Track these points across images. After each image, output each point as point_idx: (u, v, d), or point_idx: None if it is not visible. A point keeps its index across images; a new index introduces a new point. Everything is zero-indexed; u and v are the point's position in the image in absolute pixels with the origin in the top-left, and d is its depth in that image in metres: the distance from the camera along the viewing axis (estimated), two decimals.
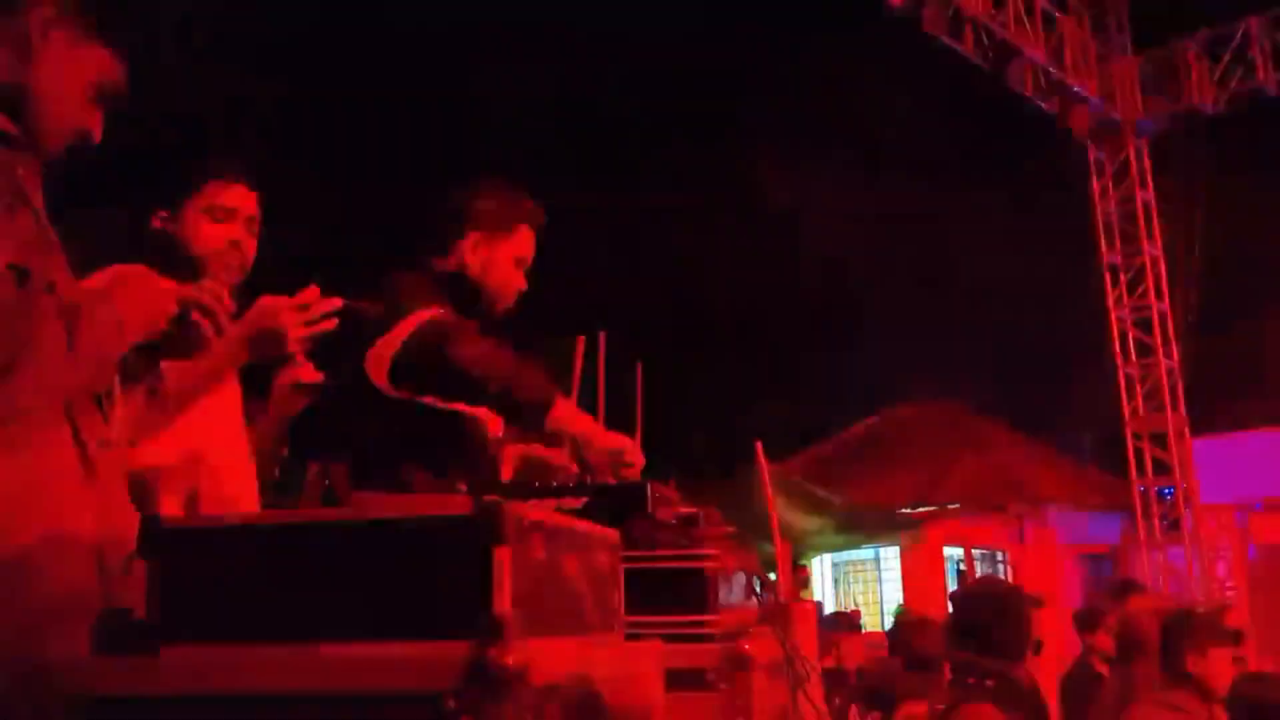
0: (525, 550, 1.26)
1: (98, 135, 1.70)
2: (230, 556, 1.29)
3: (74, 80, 1.64)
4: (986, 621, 3.29)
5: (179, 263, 2.17)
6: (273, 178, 2.48)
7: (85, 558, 1.48)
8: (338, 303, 2.07)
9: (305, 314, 2.03)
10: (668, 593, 1.86)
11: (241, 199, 2.39)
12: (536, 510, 1.36)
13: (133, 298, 1.61)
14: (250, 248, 2.38)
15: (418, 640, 1.19)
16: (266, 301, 2.05)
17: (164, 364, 1.97)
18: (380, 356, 2.51)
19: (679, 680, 1.62)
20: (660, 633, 1.72)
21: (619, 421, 2.88)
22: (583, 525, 1.57)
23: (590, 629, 1.48)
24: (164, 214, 2.35)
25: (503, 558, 1.20)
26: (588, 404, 2.99)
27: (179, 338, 1.70)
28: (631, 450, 2.47)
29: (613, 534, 1.67)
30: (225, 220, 2.34)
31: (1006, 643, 3.25)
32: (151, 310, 1.63)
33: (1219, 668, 3.89)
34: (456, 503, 1.27)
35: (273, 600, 1.26)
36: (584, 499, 1.95)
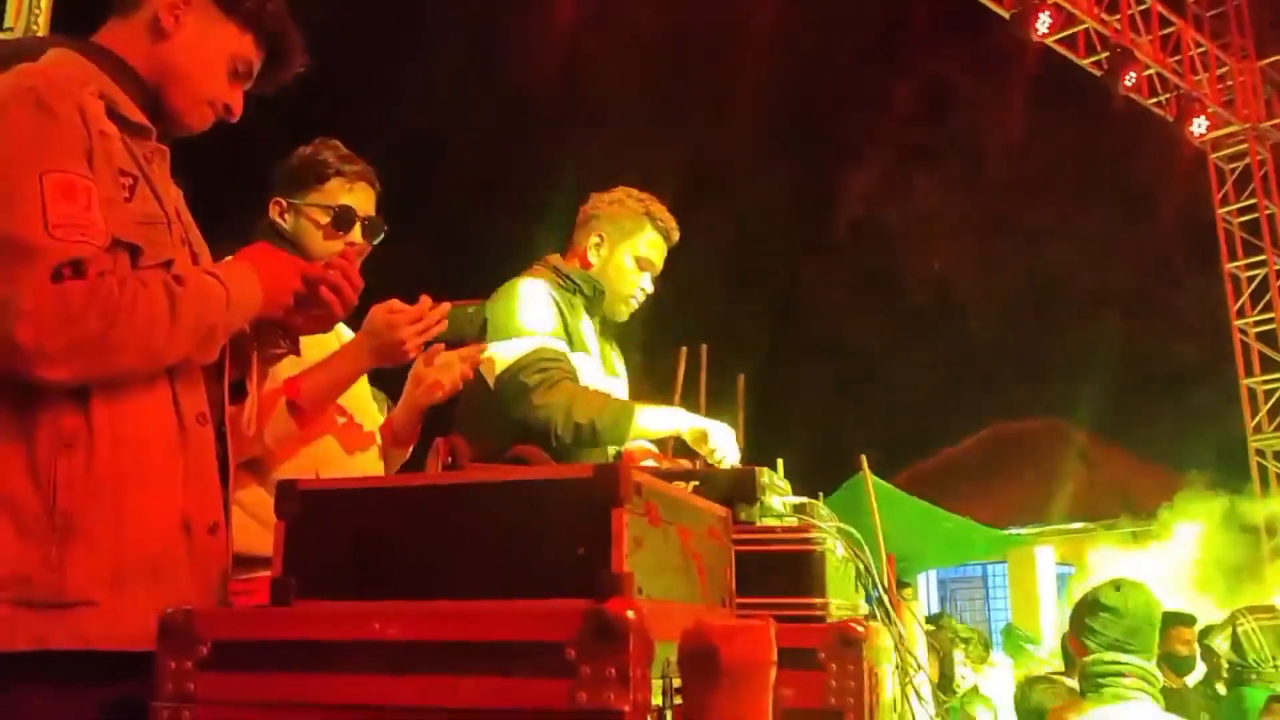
0: (642, 514, 1.29)
1: (238, 110, 1.78)
2: (360, 517, 1.35)
3: (210, 55, 1.72)
4: None
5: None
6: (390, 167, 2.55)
7: (173, 519, 1.55)
8: (446, 308, 2.20)
9: (421, 325, 2.15)
10: (778, 575, 1.87)
11: (361, 200, 2.43)
12: (652, 477, 1.39)
13: (255, 273, 1.67)
14: (363, 248, 2.44)
15: (539, 597, 1.23)
16: (384, 315, 2.16)
17: (289, 375, 2.08)
18: (491, 361, 2.64)
19: (789, 659, 1.62)
20: (771, 614, 1.73)
21: None
22: (696, 499, 1.60)
23: (702, 599, 1.50)
24: (282, 204, 2.43)
25: (620, 518, 1.24)
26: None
27: (309, 315, 1.77)
28: (716, 433, 2.57)
29: (725, 511, 1.69)
30: (342, 228, 2.39)
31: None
32: (276, 287, 1.69)
33: None
34: (576, 467, 1.31)
35: (398, 559, 1.32)
36: (693, 483, 1.97)
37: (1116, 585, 3.42)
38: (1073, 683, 4.01)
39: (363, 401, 2.43)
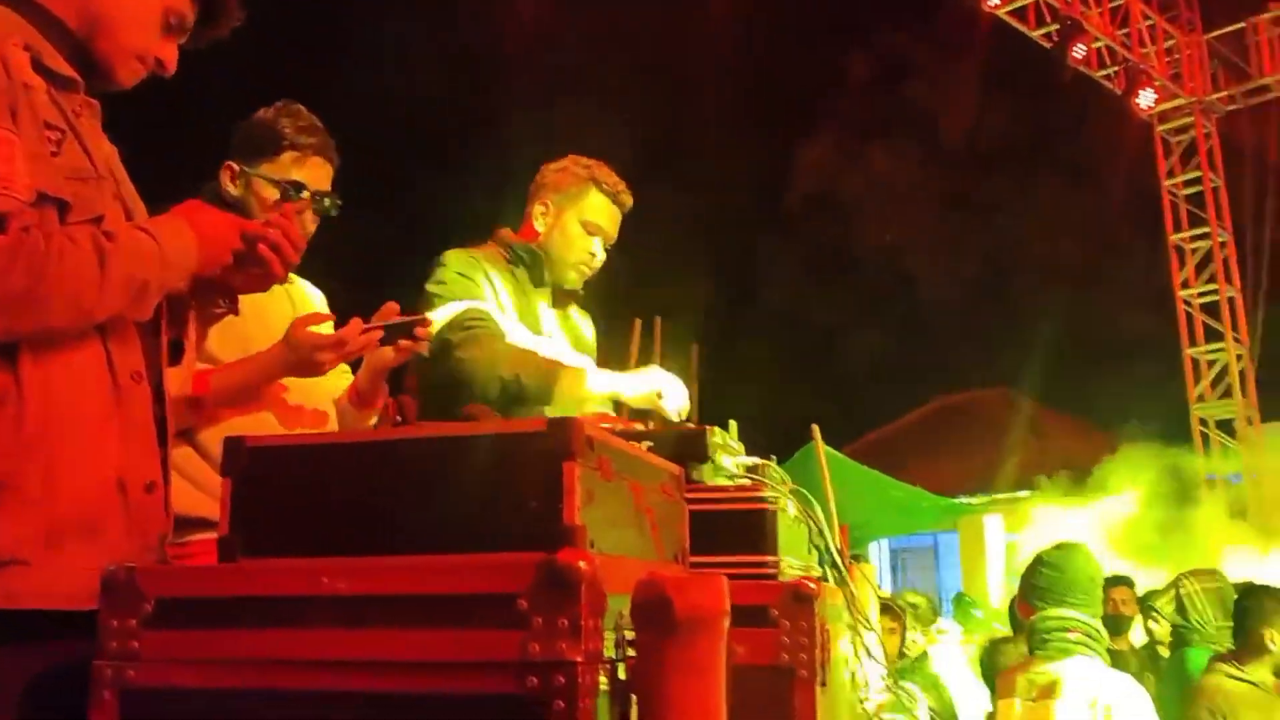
0: (594, 468, 1.29)
1: (171, 66, 1.73)
2: (309, 474, 1.33)
3: (141, 6, 1.67)
4: None
5: None
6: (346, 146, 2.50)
7: (107, 478, 1.52)
8: (378, 334, 2.20)
9: (342, 352, 2.17)
10: (731, 533, 1.87)
11: (315, 174, 2.39)
12: (604, 432, 1.38)
13: (191, 230, 1.63)
14: (312, 223, 2.39)
15: (492, 551, 1.22)
16: (305, 335, 2.17)
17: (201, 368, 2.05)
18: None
19: (741, 616, 1.63)
20: (724, 572, 1.74)
21: None
22: (648, 455, 1.59)
23: (655, 554, 1.50)
24: (234, 169, 2.38)
25: (572, 471, 1.23)
26: None
27: (248, 274, 1.73)
28: (667, 386, 2.59)
29: (677, 469, 1.68)
30: (298, 195, 2.33)
31: None
32: (213, 244, 1.65)
33: None
34: (529, 421, 1.30)
35: (348, 516, 1.30)
36: (646, 443, 1.97)
37: (1059, 545, 3.50)
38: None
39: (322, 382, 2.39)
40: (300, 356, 2.16)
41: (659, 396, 2.59)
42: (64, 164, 1.52)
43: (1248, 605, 3.97)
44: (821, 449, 3.36)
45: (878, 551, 15.36)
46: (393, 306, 2.26)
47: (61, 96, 1.58)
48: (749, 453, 2.21)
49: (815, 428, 3.25)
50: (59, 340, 1.49)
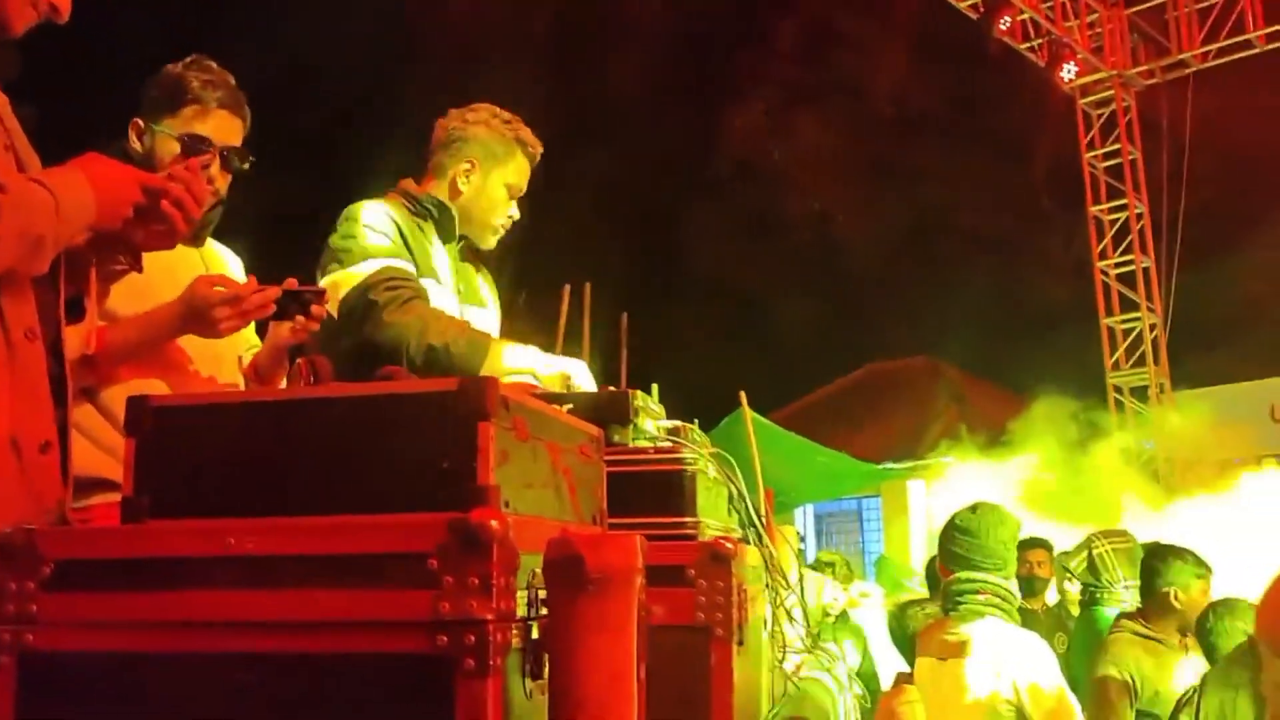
0: (509, 428, 1.28)
1: (65, 9, 1.66)
2: (217, 433, 1.30)
3: None
4: None
5: None
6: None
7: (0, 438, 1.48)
8: (275, 292, 2.14)
9: (239, 306, 2.10)
10: (650, 494, 1.88)
11: (221, 128, 2.31)
12: (520, 393, 1.37)
13: (88, 182, 1.57)
14: (224, 180, 2.33)
15: (405, 512, 1.20)
16: (204, 289, 2.10)
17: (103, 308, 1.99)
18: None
19: (659, 576, 1.64)
20: (642, 532, 1.75)
21: (603, 371, 2.90)
22: (566, 417, 1.59)
23: (572, 515, 1.50)
24: (139, 125, 2.31)
25: (486, 431, 1.22)
26: (573, 354, 3.01)
27: (151, 231, 1.68)
28: (578, 373, 2.53)
29: (597, 431, 1.68)
30: (197, 149, 2.26)
31: None
32: (112, 197, 1.60)
33: (1198, 600, 3.97)
34: (442, 381, 1.28)
35: (257, 476, 1.28)
36: (565, 405, 1.96)
37: (973, 508, 3.57)
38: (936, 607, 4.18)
39: (218, 344, 2.32)
40: (195, 311, 2.09)
41: (568, 379, 2.53)
42: None
43: (1154, 564, 4.10)
44: (749, 415, 3.39)
45: (803, 516, 15.58)
46: (292, 281, 2.21)
47: None
48: (675, 418, 2.22)
49: (742, 394, 3.27)
50: None
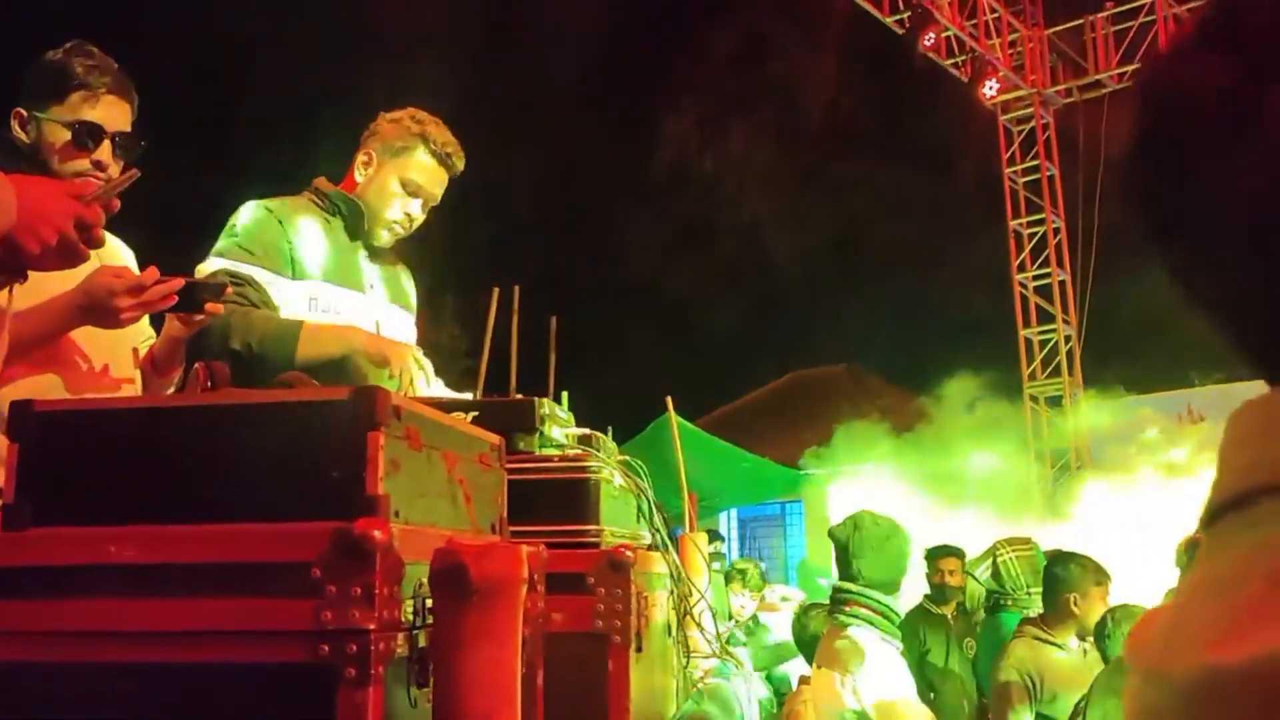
0: (401, 437, 1.28)
1: None
2: (104, 440, 1.29)
3: None
4: None
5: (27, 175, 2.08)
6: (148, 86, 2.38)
7: None
8: (178, 283, 2.07)
9: (141, 296, 2.02)
10: (553, 502, 1.89)
11: (111, 114, 2.24)
12: (415, 403, 1.38)
13: (12, 191, 1.53)
14: (116, 166, 2.27)
15: (294, 521, 1.20)
16: (104, 279, 2.02)
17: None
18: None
19: (560, 584, 1.66)
20: (544, 541, 1.76)
21: (531, 374, 2.91)
22: (465, 426, 1.60)
23: (469, 524, 1.51)
24: (22, 115, 2.24)
25: (376, 440, 1.22)
26: (502, 356, 3.01)
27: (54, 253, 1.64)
28: (399, 356, 2.49)
29: (496, 439, 1.69)
30: (83, 145, 2.20)
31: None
32: (38, 218, 1.55)
33: (1096, 606, 4.09)
34: (333, 390, 1.28)
35: (144, 484, 1.26)
36: (471, 413, 1.97)
37: (851, 520, 3.61)
38: None
39: (115, 335, 2.27)
40: (95, 301, 2.01)
41: (384, 361, 2.51)
42: None
43: (1056, 572, 4.22)
44: (674, 420, 3.43)
45: (727, 520, 15.69)
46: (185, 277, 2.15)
47: None
48: (600, 424, 2.24)
49: (668, 399, 3.30)
50: None
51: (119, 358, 2.29)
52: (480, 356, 2.99)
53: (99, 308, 2.02)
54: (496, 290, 2.97)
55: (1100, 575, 4.19)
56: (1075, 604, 4.06)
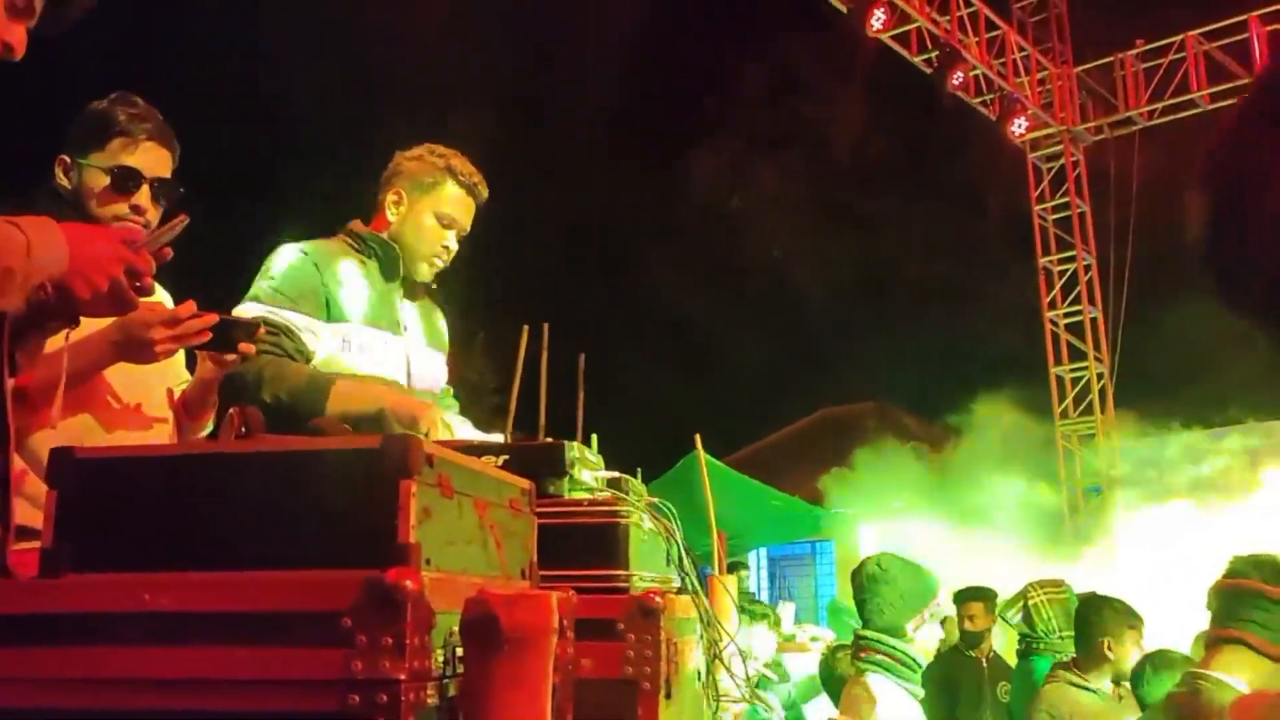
0: (433, 485, 1.29)
1: (19, 49, 1.66)
2: (139, 486, 1.30)
3: None
4: None
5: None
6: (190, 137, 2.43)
7: None
8: (213, 319, 2.09)
9: (176, 329, 2.04)
10: (583, 547, 1.89)
11: (150, 160, 2.30)
12: (446, 450, 1.38)
13: (62, 235, 1.55)
14: (155, 211, 2.32)
15: (325, 569, 1.21)
16: (139, 313, 2.02)
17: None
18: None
19: (589, 630, 1.65)
20: (574, 585, 1.76)
21: (559, 413, 2.91)
22: (496, 471, 1.60)
23: (500, 571, 1.51)
24: (65, 162, 2.29)
25: (408, 489, 1.23)
26: (529, 395, 3.02)
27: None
28: (426, 418, 2.49)
29: (527, 484, 1.70)
30: (124, 190, 2.26)
31: None
32: (89, 262, 1.57)
33: (1130, 650, 4.02)
34: (365, 438, 1.29)
35: (179, 530, 1.28)
36: (500, 457, 1.98)
37: (872, 561, 3.56)
38: None
39: (149, 375, 2.29)
40: (130, 335, 2.03)
41: (413, 421, 2.50)
42: None
43: (1089, 616, 4.15)
44: (703, 458, 3.42)
45: (757, 560, 15.58)
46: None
47: None
48: (629, 463, 2.24)
49: (697, 437, 3.29)
50: None
51: (153, 398, 2.32)
52: (509, 395, 3.00)
53: (134, 341, 2.04)
54: (526, 329, 2.99)
55: (1133, 619, 4.13)
56: (1109, 648, 4.00)
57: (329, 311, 2.72)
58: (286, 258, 2.74)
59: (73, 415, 2.12)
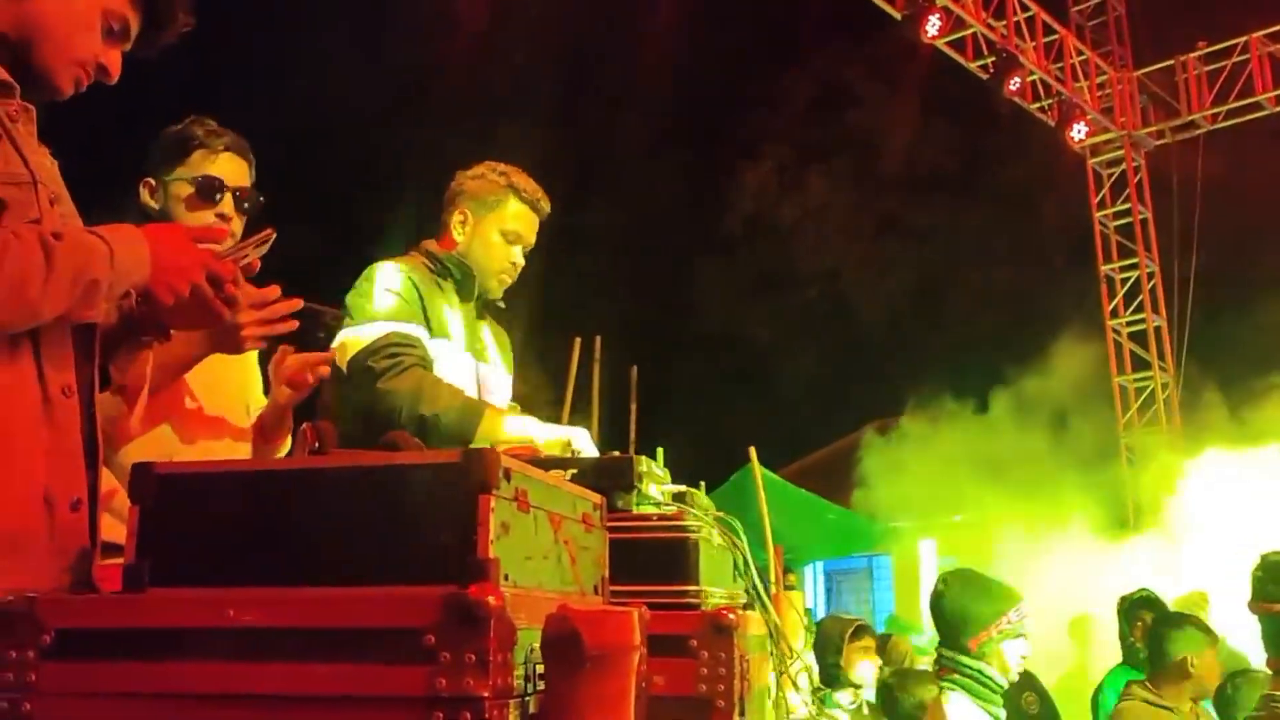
0: (510, 499, 1.28)
1: (115, 72, 1.69)
2: (219, 501, 1.31)
3: (79, 10, 1.63)
4: None
5: None
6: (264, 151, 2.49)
7: (34, 493, 1.48)
8: (298, 303, 2.07)
9: (262, 313, 2.02)
10: (653, 562, 1.87)
11: (230, 170, 2.37)
12: (523, 464, 1.37)
13: (145, 242, 1.57)
14: (239, 221, 2.37)
15: (405, 584, 1.20)
16: None
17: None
18: (344, 346, 2.61)
19: (661, 646, 1.63)
20: (644, 601, 1.74)
21: (610, 424, 2.90)
22: (569, 486, 1.59)
23: (574, 585, 1.50)
24: (150, 184, 2.37)
25: (486, 504, 1.22)
26: (583, 407, 3.02)
27: (189, 314, 1.67)
28: (579, 439, 2.52)
29: (599, 498, 1.68)
30: (207, 199, 2.32)
31: None
32: (171, 266, 1.58)
33: (1212, 667, 3.92)
34: (443, 453, 1.29)
35: (258, 545, 1.28)
36: (570, 470, 1.97)
37: (944, 579, 3.49)
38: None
39: (229, 388, 2.33)
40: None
41: (568, 444, 2.52)
42: None
43: (1165, 631, 4.05)
44: (758, 471, 3.38)
45: (812, 574, 15.45)
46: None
47: None
48: (686, 478, 2.22)
49: (752, 450, 3.26)
50: None
51: (231, 406, 2.35)
52: (562, 407, 3.00)
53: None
54: (578, 341, 2.98)
55: (1211, 636, 4.02)
56: (1191, 665, 3.89)
57: (430, 330, 2.76)
58: (392, 274, 2.76)
59: (154, 426, 2.15)
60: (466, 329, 2.90)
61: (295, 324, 2.08)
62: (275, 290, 2.03)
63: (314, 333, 2.16)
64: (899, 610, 13.46)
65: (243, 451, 2.35)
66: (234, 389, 2.33)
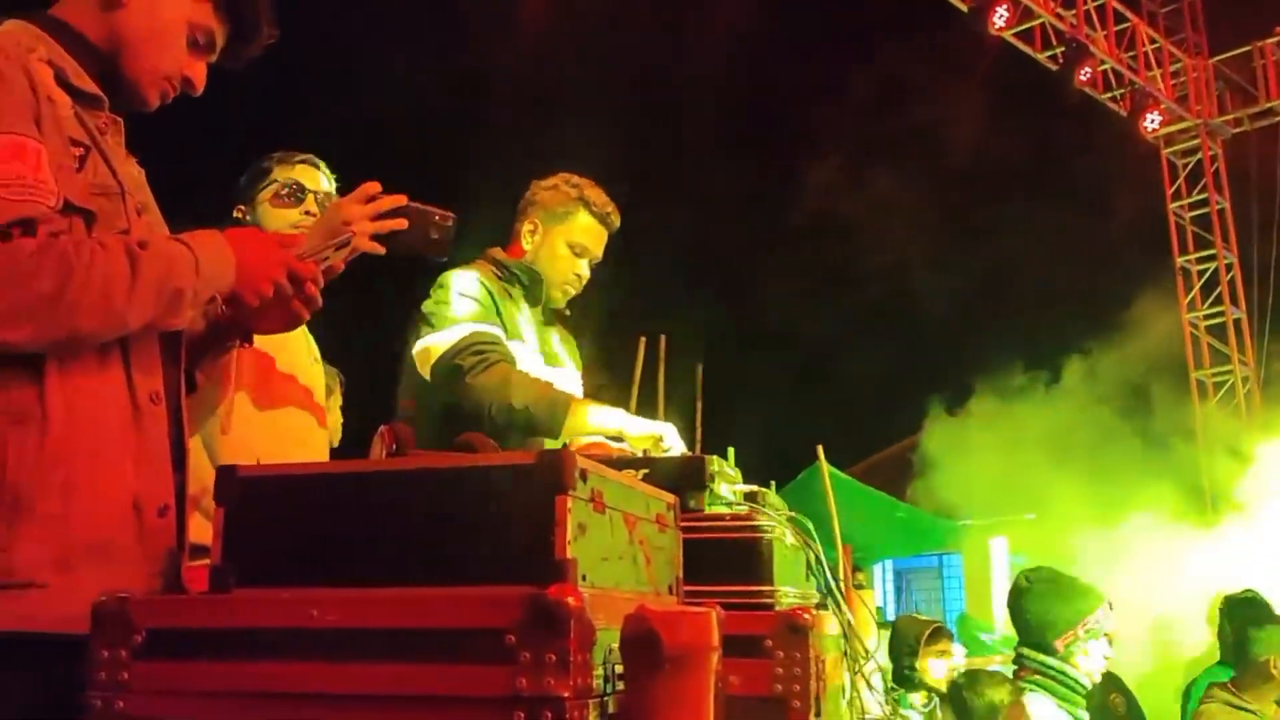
0: (586, 500, 1.29)
1: (200, 84, 1.72)
2: (302, 504, 1.33)
3: (166, 23, 1.66)
4: None
5: None
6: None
7: (123, 499, 1.51)
8: (403, 199, 1.90)
9: (371, 207, 1.86)
10: (727, 562, 1.87)
11: (308, 175, 2.50)
12: (598, 464, 1.38)
13: (229, 247, 1.59)
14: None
15: (483, 584, 1.22)
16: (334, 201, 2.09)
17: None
18: (427, 351, 2.65)
19: (736, 646, 1.63)
20: (718, 601, 1.73)
21: (679, 425, 2.90)
22: (643, 486, 1.59)
23: (649, 586, 1.50)
24: (241, 210, 2.48)
25: (563, 505, 1.23)
26: (649, 405, 3.02)
27: (271, 316, 1.70)
28: (669, 435, 2.53)
29: (672, 498, 1.68)
30: (292, 198, 2.46)
31: None
32: (255, 269, 1.60)
33: None
34: (520, 454, 1.30)
35: (340, 546, 1.30)
36: (642, 470, 1.97)
37: (1027, 577, 3.44)
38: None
39: (297, 342, 2.46)
40: (326, 219, 1.89)
41: (659, 440, 2.55)
42: (88, 179, 1.53)
43: (1252, 632, 3.94)
44: (826, 470, 3.36)
45: (882, 572, 15.31)
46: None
47: (86, 113, 1.58)
48: (753, 476, 2.21)
49: (820, 448, 3.24)
50: (82, 358, 1.48)
51: (303, 368, 2.43)
52: (627, 406, 3.00)
53: (329, 221, 1.88)
54: (643, 339, 2.99)
55: None
56: (1275, 667, 3.79)
57: (505, 333, 2.80)
58: (467, 280, 2.81)
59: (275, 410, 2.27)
60: (537, 334, 2.94)
61: (404, 222, 1.90)
62: (376, 186, 1.90)
63: (425, 234, 1.96)
64: (970, 609, 13.29)
65: (314, 420, 2.46)
66: (301, 347, 2.45)
